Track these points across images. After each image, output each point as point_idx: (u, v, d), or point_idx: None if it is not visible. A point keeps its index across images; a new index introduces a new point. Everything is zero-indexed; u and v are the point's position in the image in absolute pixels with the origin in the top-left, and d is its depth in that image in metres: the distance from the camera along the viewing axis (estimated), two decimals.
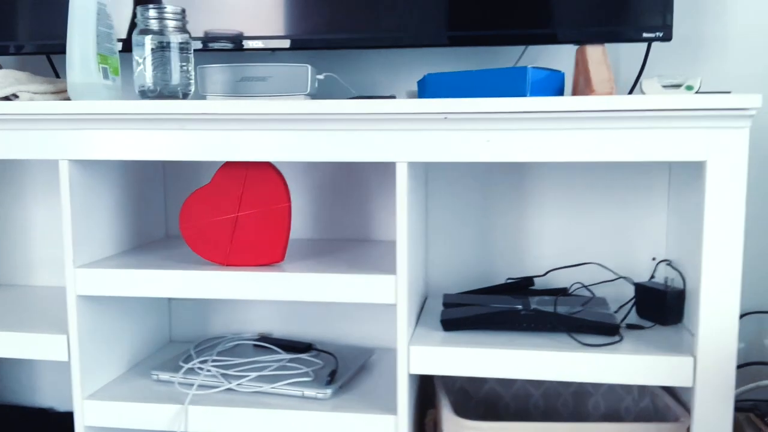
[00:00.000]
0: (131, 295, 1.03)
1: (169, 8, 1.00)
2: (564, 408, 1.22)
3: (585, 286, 1.21)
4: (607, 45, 1.09)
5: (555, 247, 1.23)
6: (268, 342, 1.23)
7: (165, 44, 1.00)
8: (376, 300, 0.97)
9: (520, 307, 1.07)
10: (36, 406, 1.42)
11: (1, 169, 1.38)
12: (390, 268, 1.01)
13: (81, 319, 1.05)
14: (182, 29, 1.02)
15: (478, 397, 1.22)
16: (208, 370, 1.12)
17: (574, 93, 1.08)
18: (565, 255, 1.23)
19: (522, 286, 1.18)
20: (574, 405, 1.22)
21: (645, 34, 1.04)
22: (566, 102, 0.89)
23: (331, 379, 1.08)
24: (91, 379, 1.08)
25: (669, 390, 1.10)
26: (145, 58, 1.00)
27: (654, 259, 1.21)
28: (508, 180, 1.24)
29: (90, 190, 1.08)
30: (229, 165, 1.06)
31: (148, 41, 1.00)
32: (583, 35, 1.06)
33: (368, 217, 1.29)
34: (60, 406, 1.41)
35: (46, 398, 1.41)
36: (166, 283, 1.02)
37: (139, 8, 1.01)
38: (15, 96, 1.05)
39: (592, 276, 1.23)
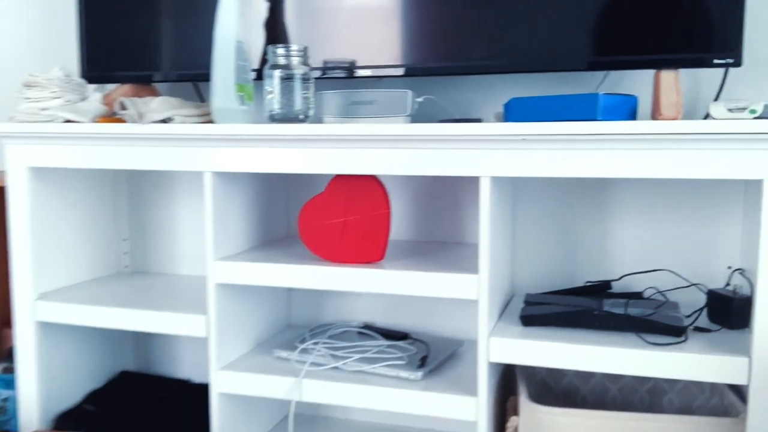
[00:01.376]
0: (259, 284, 1.24)
1: (294, 46, 1.20)
2: (640, 404, 1.32)
3: (659, 291, 1.30)
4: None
5: (634, 254, 1.33)
6: (370, 330, 1.41)
7: (290, 76, 1.20)
8: (460, 295, 1.12)
9: (594, 307, 1.18)
10: (176, 377, 1.67)
11: (156, 178, 1.64)
12: (474, 269, 1.16)
13: (218, 303, 1.28)
14: (304, 63, 1.22)
15: (557, 389, 1.34)
16: (320, 351, 1.31)
17: (652, 114, 1.18)
18: (643, 262, 1.33)
19: (599, 289, 1.29)
20: (649, 401, 1.31)
21: (715, 60, 1.13)
22: (629, 126, 1.01)
23: (422, 363, 1.24)
24: (224, 353, 1.30)
25: (736, 389, 1.18)
26: (273, 89, 1.21)
27: (729, 267, 1.28)
28: (591, 192, 1.35)
29: (227, 196, 1.30)
30: (339, 177, 1.25)
31: (277, 74, 1.20)
32: (656, 62, 1.16)
33: (459, 222, 1.44)
34: (196, 378, 1.65)
35: (185, 371, 1.66)
36: (287, 275, 1.22)
37: (269, 47, 1.22)
38: (170, 119, 1.29)
39: (669, 283, 1.31)
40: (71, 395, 1.50)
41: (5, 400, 1.58)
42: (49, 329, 1.42)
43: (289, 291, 1.57)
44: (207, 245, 1.26)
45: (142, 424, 1.44)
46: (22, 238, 1.37)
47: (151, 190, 1.64)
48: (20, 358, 1.40)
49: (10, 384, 1.57)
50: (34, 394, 1.40)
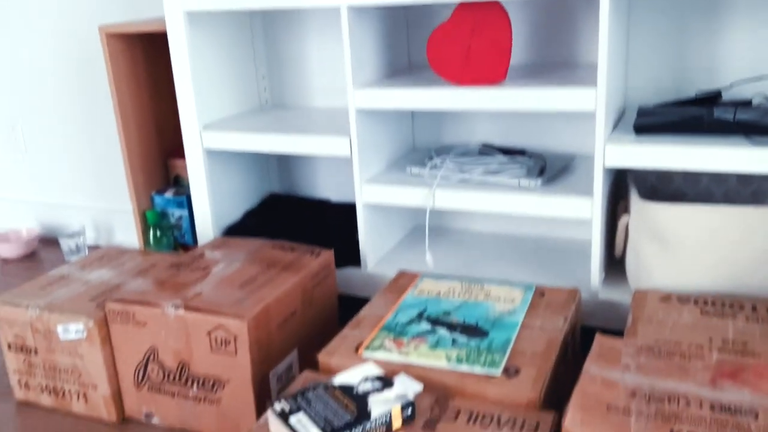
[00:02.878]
0: (396, 107, 1.40)
1: None
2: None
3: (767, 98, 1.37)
4: None
5: (744, 62, 1.39)
6: (490, 148, 1.57)
7: None
8: (579, 108, 1.25)
9: (704, 114, 1.28)
10: (317, 197, 1.91)
11: (288, 18, 1.79)
12: (592, 84, 1.27)
13: (358, 126, 1.46)
14: None
15: (665, 194, 1.47)
16: (448, 166, 1.48)
17: None
18: (754, 71, 1.39)
19: (710, 98, 1.37)
20: (752, 204, 1.42)
21: None
22: None
23: (541, 172, 1.40)
24: (365, 170, 1.51)
25: None
26: None
27: None
28: (703, 1, 1.40)
29: (360, 30, 1.44)
30: (463, 5, 1.35)
31: None
32: None
33: (575, 43, 1.52)
34: (334, 197, 1.89)
35: (324, 191, 1.90)
36: (421, 98, 1.38)
37: None
38: None
39: None
40: (234, 212, 1.77)
41: (179, 218, 1.88)
42: (213, 156, 1.66)
43: (413, 116, 1.73)
44: (347, 75, 1.42)
45: (295, 233, 1.70)
46: (185, 77, 1.58)
47: (284, 30, 1.80)
48: (193, 181, 1.66)
49: (182, 204, 1.86)
50: (207, 211, 1.67)
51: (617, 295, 1.34)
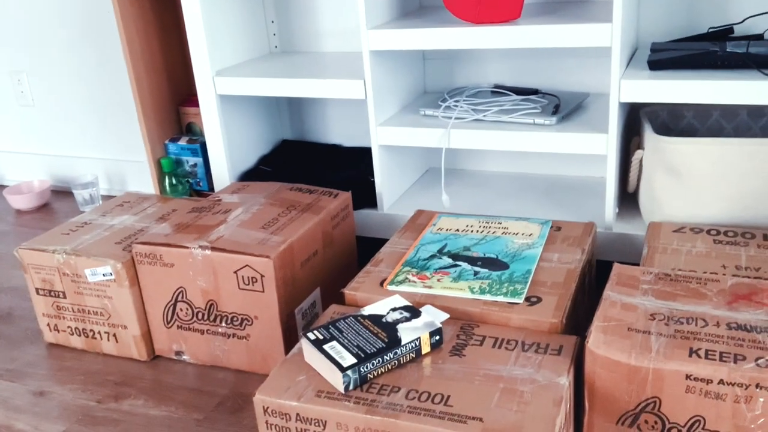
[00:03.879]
0: (412, 48, 1.41)
1: None
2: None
3: None
4: None
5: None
6: (502, 88, 1.58)
7: None
8: (595, 43, 1.26)
9: (717, 49, 1.29)
10: (329, 142, 1.93)
11: None
12: (607, 20, 1.28)
13: (372, 68, 1.47)
14: None
15: (676, 130, 1.49)
16: (461, 107, 1.50)
17: None
18: (765, 4, 1.39)
19: (722, 34, 1.38)
20: (762, 137, 1.44)
21: None
22: None
23: (555, 110, 1.42)
24: (380, 112, 1.52)
25: None
26: None
27: None
28: None
29: None
30: None
31: None
32: None
33: None
34: (345, 143, 1.91)
35: (336, 137, 1.92)
36: (437, 37, 1.38)
37: None
38: None
39: None
40: (248, 158, 1.79)
41: (194, 165, 1.90)
42: (226, 102, 1.67)
43: (424, 59, 1.73)
44: (360, 16, 1.42)
45: (310, 177, 1.72)
46: (197, 23, 1.58)
47: None
48: (208, 127, 1.67)
49: (196, 152, 1.88)
50: (223, 157, 1.69)
51: (631, 228, 1.38)
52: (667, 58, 1.30)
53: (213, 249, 1.26)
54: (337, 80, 1.50)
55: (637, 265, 1.18)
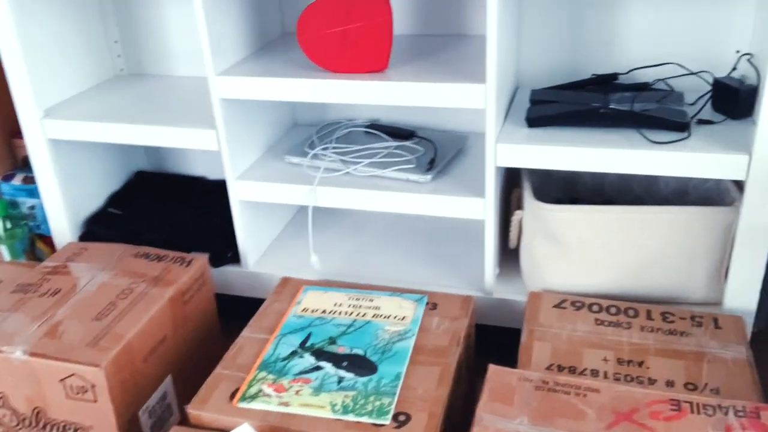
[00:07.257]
0: (262, 98, 1.24)
1: None
2: (638, 185, 1.38)
3: (664, 80, 1.29)
4: None
5: (642, 41, 1.30)
6: (377, 129, 1.43)
7: None
8: (467, 105, 1.13)
9: (599, 104, 1.19)
10: (191, 173, 1.73)
11: None
12: (481, 73, 1.14)
13: (225, 116, 1.28)
14: None
15: (559, 175, 1.40)
16: (330, 156, 1.34)
17: None
18: (651, 49, 1.30)
19: (606, 81, 1.28)
20: (647, 182, 1.37)
21: None
22: None
23: (430, 166, 1.28)
24: (238, 163, 1.34)
25: None
26: None
27: (738, 52, 1.26)
28: None
29: None
30: None
31: None
32: None
33: (463, 15, 1.38)
34: (210, 175, 1.71)
35: (198, 167, 1.71)
36: (289, 89, 1.21)
37: None
38: None
39: (676, 70, 1.30)
40: (95, 199, 1.56)
41: (32, 207, 1.66)
42: (61, 144, 1.43)
43: None
44: (205, 58, 1.23)
45: (165, 222, 1.52)
46: (14, 53, 1.33)
47: None
48: (38, 174, 1.44)
49: (33, 193, 1.64)
50: (60, 203, 1.46)
51: (513, 292, 1.28)
52: (546, 115, 1.19)
53: (33, 354, 1.07)
54: (186, 129, 1.31)
55: (518, 331, 1.12)
